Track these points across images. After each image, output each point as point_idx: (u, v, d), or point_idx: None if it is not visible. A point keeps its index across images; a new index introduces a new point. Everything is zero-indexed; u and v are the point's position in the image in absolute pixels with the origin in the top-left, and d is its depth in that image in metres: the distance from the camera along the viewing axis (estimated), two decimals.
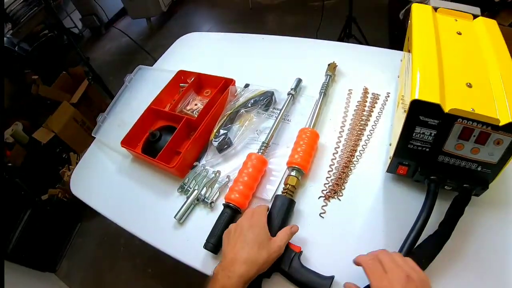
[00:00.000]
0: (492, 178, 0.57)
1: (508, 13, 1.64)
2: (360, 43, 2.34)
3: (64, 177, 2.04)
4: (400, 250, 0.55)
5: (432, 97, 0.50)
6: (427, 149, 0.56)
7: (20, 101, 2.21)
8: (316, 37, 1.13)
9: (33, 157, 2.03)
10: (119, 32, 3.90)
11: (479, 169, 0.56)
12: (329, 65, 0.93)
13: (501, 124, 0.48)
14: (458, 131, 0.52)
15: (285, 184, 0.70)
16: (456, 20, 0.69)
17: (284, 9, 3.46)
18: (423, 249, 0.55)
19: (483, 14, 0.72)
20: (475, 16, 0.70)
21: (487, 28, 0.66)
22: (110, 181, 0.89)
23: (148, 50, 3.00)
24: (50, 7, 2.39)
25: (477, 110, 0.49)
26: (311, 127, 0.79)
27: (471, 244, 0.58)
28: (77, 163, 2.04)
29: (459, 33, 0.65)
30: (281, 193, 0.69)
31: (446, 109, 0.50)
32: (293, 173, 0.71)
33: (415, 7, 0.72)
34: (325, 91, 0.86)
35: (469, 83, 0.54)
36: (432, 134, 0.54)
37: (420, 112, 0.52)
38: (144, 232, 0.75)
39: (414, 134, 0.55)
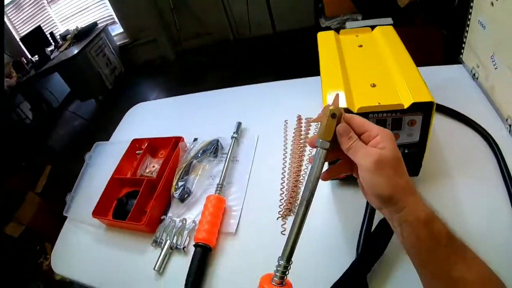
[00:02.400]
0: (421, 156, 0.64)
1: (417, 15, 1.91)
2: None
3: (43, 267, 2.00)
4: (358, 239, 0.62)
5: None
6: None
7: None
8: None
9: (7, 252, 2.01)
10: (70, 116, 3.95)
11: (406, 151, 0.63)
12: None
13: (405, 107, 0.56)
14: None
15: None
16: (357, 36, 0.80)
17: (222, 66, 3.77)
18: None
19: (396, 21, 0.83)
20: (373, 28, 0.80)
21: (384, 35, 0.76)
22: (88, 252, 0.91)
23: (102, 127, 3.02)
24: None
25: (382, 102, 0.57)
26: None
27: None
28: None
29: (360, 46, 0.75)
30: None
31: (355, 110, 0.58)
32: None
33: (320, 35, 0.82)
34: None
35: (373, 84, 0.63)
36: None
37: None
38: None
39: None
